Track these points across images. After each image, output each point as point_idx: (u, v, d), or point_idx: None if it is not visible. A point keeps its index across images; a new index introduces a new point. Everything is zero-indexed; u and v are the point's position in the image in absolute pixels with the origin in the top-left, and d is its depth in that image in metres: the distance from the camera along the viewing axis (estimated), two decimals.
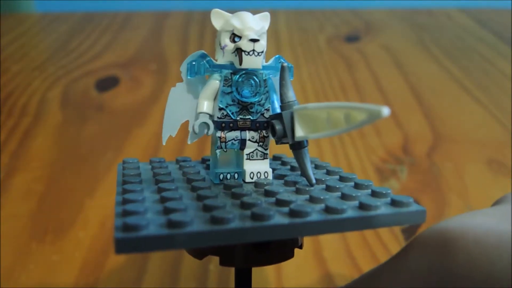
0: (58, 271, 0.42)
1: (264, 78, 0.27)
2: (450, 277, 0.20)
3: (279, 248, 0.26)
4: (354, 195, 0.24)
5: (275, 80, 0.28)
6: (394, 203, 0.24)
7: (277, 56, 0.28)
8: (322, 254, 0.44)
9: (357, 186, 0.27)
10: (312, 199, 0.24)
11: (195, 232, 0.21)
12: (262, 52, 0.26)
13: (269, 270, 0.42)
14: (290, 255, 0.27)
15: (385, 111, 0.19)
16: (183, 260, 0.43)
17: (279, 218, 0.22)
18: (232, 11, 0.28)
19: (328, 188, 0.26)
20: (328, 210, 0.23)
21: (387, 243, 0.45)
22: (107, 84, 0.80)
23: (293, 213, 0.22)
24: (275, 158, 0.33)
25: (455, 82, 0.82)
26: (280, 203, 0.24)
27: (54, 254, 0.44)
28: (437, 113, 0.71)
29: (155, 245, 0.20)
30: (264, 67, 0.27)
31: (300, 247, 0.27)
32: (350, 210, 0.23)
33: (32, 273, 0.42)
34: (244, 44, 0.26)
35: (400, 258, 0.24)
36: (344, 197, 0.25)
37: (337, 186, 0.26)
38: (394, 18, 1.19)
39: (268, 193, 0.25)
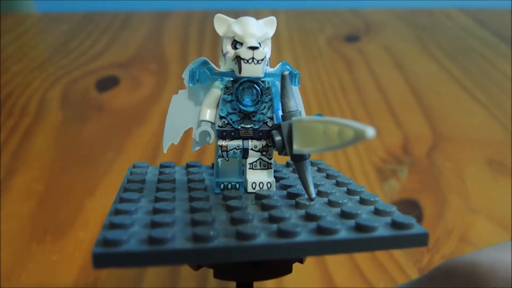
0: (58, 271, 0.42)
1: (267, 86, 0.26)
2: None
3: (276, 264, 0.25)
4: (354, 212, 0.23)
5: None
6: (394, 224, 0.22)
7: (283, 62, 0.27)
8: None
9: (362, 201, 0.25)
10: (308, 216, 0.23)
11: (175, 250, 0.20)
12: (263, 60, 0.25)
13: None
14: (288, 270, 0.26)
15: (370, 131, 0.18)
16: None
17: (264, 238, 0.21)
18: (232, 11, 0.27)
19: (330, 203, 0.25)
20: (320, 230, 0.21)
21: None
22: (107, 84, 0.80)
23: (281, 233, 0.21)
24: (288, 165, 0.33)
25: (455, 82, 0.82)
26: (272, 219, 0.23)
27: (54, 254, 0.44)
28: (437, 113, 0.71)
29: (134, 261, 0.20)
30: (267, 74, 0.26)
31: (301, 261, 0.26)
32: (344, 231, 0.22)
33: (32, 273, 0.42)
34: (243, 52, 0.25)
35: (426, 284, 0.23)
36: (343, 214, 0.23)
37: (340, 202, 0.25)
38: (394, 18, 1.19)
39: (264, 207, 0.24)
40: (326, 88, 0.79)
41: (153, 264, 0.20)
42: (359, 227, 0.22)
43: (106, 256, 0.19)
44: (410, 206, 0.50)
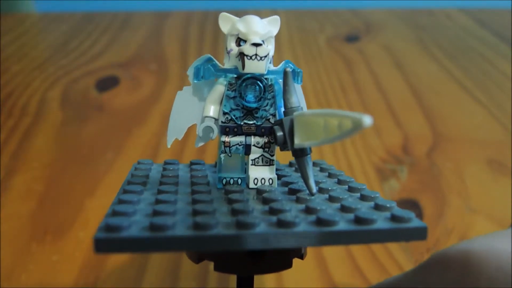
0: (58, 271, 0.42)
1: (270, 83, 0.27)
2: None
3: (276, 257, 0.25)
4: (353, 207, 0.23)
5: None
6: (393, 218, 0.22)
7: (285, 60, 0.28)
8: (322, 253, 0.44)
9: (362, 197, 0.26)
10: (308, 210, 0.23)
11: (174, 236, 0.20)
12: (266, 56, 0.25)
13: None
14: (288, 265, 0.26)
15: (367, 120, 0.19)
16: (183, 260, 0.43)
17: (264, 227, 0.21)
18: (232, 11, 0.28)
19: (331, 199, 0.25)
20: (319, 221, 0.22)
21: (387, 243, 0.45)
22: (107, 84, 0.80)
23: (280, 223, 0.21)
24: (291, 164, 0.33)
25: (455, 82, 0.82)
26: (272, 211, 0.23)
27: (54, 254, 0.44)
28: (437, 113, 0.71)
29: (135, 247, 0.20)
30: (270, 72, 0.27)
31: (302, 257, 0.27)
32: (343, 223, 0.22)
33: (32, 273, 0.42)
34: (247, 49, 0.25)
35: (420, 274, 0.23)
36: (343, 208, 0.24)
37: (340, 197, 0.25)
38: (394, 18, 1.19)
39: (265, 201, 0.25)
40: (326, 88, 0.79)
41: (154, 250, 0.20)
42: (358, 220, 0.22)
43: (108, 241, 0.20)
44: (410, 206, 0.50)
